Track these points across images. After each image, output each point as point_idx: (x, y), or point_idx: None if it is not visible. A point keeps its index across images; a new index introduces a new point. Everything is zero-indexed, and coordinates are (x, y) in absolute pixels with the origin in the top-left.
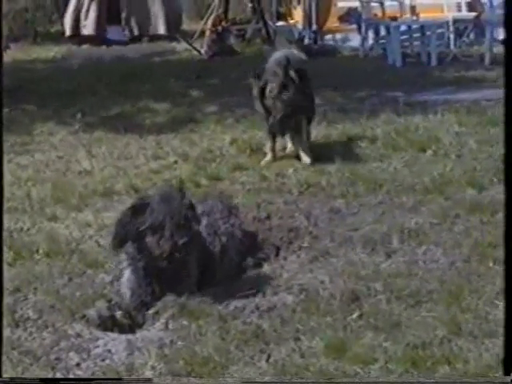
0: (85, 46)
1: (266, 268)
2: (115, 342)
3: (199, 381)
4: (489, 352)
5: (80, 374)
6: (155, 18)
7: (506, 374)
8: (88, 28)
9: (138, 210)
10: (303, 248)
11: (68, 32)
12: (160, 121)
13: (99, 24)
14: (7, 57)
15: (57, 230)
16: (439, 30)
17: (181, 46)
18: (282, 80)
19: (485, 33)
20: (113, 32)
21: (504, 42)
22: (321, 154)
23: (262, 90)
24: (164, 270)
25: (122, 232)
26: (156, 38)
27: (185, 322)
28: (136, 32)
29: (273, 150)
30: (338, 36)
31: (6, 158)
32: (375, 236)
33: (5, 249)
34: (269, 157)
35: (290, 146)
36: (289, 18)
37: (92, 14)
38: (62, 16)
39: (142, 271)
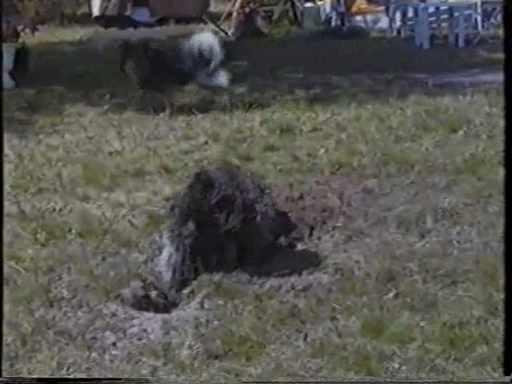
0: (111, 28)
1: (300, 247)
2: (151, 322)
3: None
4: None
5: (116, 353)
6: (183, 0)
7: (506, 374)
8: (111, 9)
9: (207, 185)
10: (337, 228)
11: (95, 13)
12: (189, 102)
13: (122, 4)
14: (34, 39)
15: (89, 210)
16: (467, 12)
17: (208, 27)
18: None
19: None
20: (139, 14)
21: (504, 42)
22: (351, 134)
23: None
24: (208, 248)
25: (188, 207)
26: (183, 19)
27: (220, 302)
28: (163, 14)
29: None
30: (366, 17)
31: (35, 139)
32: (409, 216)
33: (37, 229)
34: None
35: None
36: (316, 0)
37: None
38: None
39: (189, 248)
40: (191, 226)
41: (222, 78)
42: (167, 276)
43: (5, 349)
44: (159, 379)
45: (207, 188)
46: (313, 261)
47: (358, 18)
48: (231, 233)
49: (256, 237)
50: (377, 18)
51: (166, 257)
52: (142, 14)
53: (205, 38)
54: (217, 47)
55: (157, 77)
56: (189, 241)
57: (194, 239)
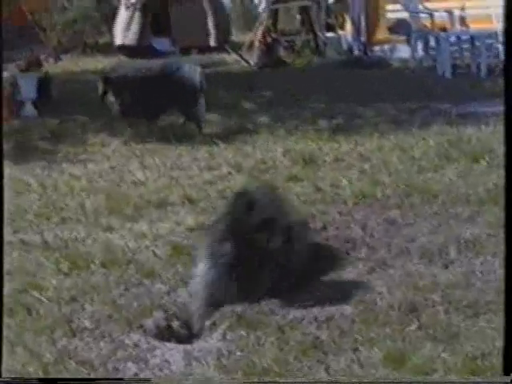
0: (134, 58)
1: (324, 278)
2: (173, 352)
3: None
4: None
5: None
6: (204, 30)
7: (506, 374)
8: (131, 38)
9: (248, 206)
10: (360, 259)
11: (117, 43)
12: (212, 131)
13: (143, 34)
14: (57, 68)
15: (112, 241)
16: (488, 41)
17: (230, 57)
18: None
19: None
20: (162, 43)
21: (504, 43)
22: (375, 164)
23: None
24: (242, 269)
25: (228, 226)
26: (205, 49)
27: (243, 333)
28: (184, 43)
29: None
30: (388, 47)
31: (58, 168)
32: (432, 247)
33: (60, 259)
34: None
35: None
36: (338, 29)
37: (135, 24)
38: (110, 27)
39: (225, 267)
40: (229, 245)
41: (201, 110)
42: (201, 293)
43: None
44: (160, 379)
45: (249, 208)
46: (335, 292)
47: (380, 47)
48: (271, 255)
49: (294, 261)
50: (396, 47)
51: (202, 273)
52: (164, 44)
53: (187, 69)
54: (197, 78)
55: (136, 107)
56: (226, 259)
57: (231, 258)
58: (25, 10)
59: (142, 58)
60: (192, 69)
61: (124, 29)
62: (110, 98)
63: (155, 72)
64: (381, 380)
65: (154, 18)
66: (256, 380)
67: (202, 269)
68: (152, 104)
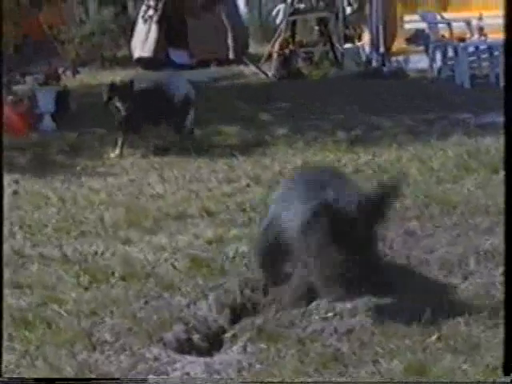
0: (151, 71)
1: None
2: (193, 365)
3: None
4: None
5: None
6: (223, 42)
7: (506, 374)
8: (148, 51)
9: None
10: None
11: (135, 55)
12: (230, 144)
13: (159, 46)
14: (75, 81)
15: (131, 254)
16: None
17: (248, 69)
18: None
19: None
20: (180, 56)
21: (504, 45)
22: (393, 175)
23: None
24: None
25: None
26: (224, 61)
27: (263, 345)
28: (202, 56)
29: None
30: (406, 58)
31: (77, 182)
32: (451, 258)
33: (80, 272)
34: None
35: None
36: (356, 41)
37: (152, 36)
38: (128, 40)
39: None
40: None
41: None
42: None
43: None
44: (158, 379)
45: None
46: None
47: (399, 58)
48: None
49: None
50: (417, 58)
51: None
52: (182, 56)
53: (174, 82)
54: (183, 91)
55: (137, 116)
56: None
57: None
58: (42, 23)
59: (160, 70)
60: (179, 82)
61: (142, 41)
62: (117, 103)
63: (150, 84)
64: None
65: (172, 31)
66: None
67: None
68: (146, 116)
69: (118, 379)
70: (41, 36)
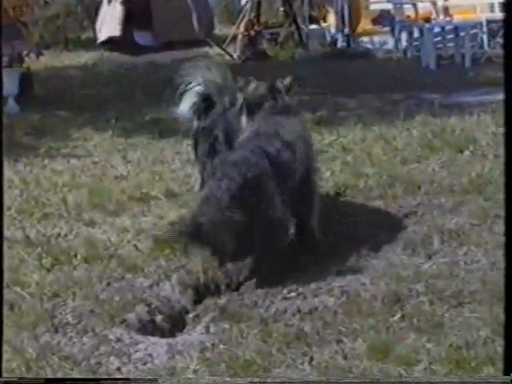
0: (116, 53)
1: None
2: (156, 346)
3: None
4: None
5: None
6: (187, 24)
7: (506, 374)
8: (113, 33)
9: None
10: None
11: (100, 38)
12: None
13: (125, 28)
14: (39, 64)
15: (94, 235)
16: (473, 31)
17: (213, 50)
18: None
19: None
20: (144, 38)
21: (504, 44)
22: (358, 156)
23: None
24: None
25: None
26: (188, 43)
27: (226, 326)
28: (167, 38)
29: None
30: (372, 39)
31: (40, 164)
32: (415, 237)
33: (43, 254)
34: None
35: None
36: (321, 22)
37: (116, 18)
38: (92, 22)
39: None
40: None
41: None
42: None
43: (9, 374)
44: (166, 379)
45: None
46: (318, 283)
47: (364, 39)
48: None
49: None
50: (382, 39)
51: None
52: (147, 38)
53: None
54: None
55: None
56: None
57: None
58: (7, 6)
59: (125, 52)
60: None
61: (106, 23)
62: None
63: None
64: (384, 380)
65: (136, 12)
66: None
67: None
68: None
69: (128, 379)
70: (6, 20)
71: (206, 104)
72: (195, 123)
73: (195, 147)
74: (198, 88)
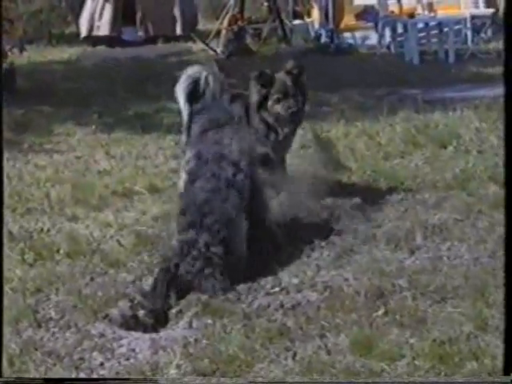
0: (99, 48)
1: (290, 265)
2: (139, 341)
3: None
4: None
5: (104, 373)
6: (171, 19)
7: (506, 374)
8: (103, 29)
9: None
10: (326, 245)
11: (83, 33)
12: (178, 120)
13: (114, 24)
14: (22, 58)
15: (77, 230)
16: (456, 27)
17: (197, 46)
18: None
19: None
20: (128, 33)
21: (504, 41)
22: (341, 151)
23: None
24: None
25: None
26: (171, 38)
27: (209, 321)
28: (151, 32)
29: None
30: (355, 34)
31: (23, 159)
32: (398, 233)
33: (25, 249)
34: None
35: None
36: (305, 17)
37: (106, 15)
38: (76, 17)
39: None
40: None
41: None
42: None
43: None
44: (166, 378)
45: None
46: (301, 279)
47: (348, 34)
48: None
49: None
50: (366, 34)
51: None
52: (130, 33)
53: None
54: None
55: None
56: None
57: None
58: None
59: (109, 47)
60: None
61: (92, 19)
62: None
63: None
64: (384, 380)
65: (121, 8)
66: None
67: None
68: None
69: (128, 379)
70: None
71: (197, 89)
72: (187, 106)
73: (188, 129)
74: (192, 72)
